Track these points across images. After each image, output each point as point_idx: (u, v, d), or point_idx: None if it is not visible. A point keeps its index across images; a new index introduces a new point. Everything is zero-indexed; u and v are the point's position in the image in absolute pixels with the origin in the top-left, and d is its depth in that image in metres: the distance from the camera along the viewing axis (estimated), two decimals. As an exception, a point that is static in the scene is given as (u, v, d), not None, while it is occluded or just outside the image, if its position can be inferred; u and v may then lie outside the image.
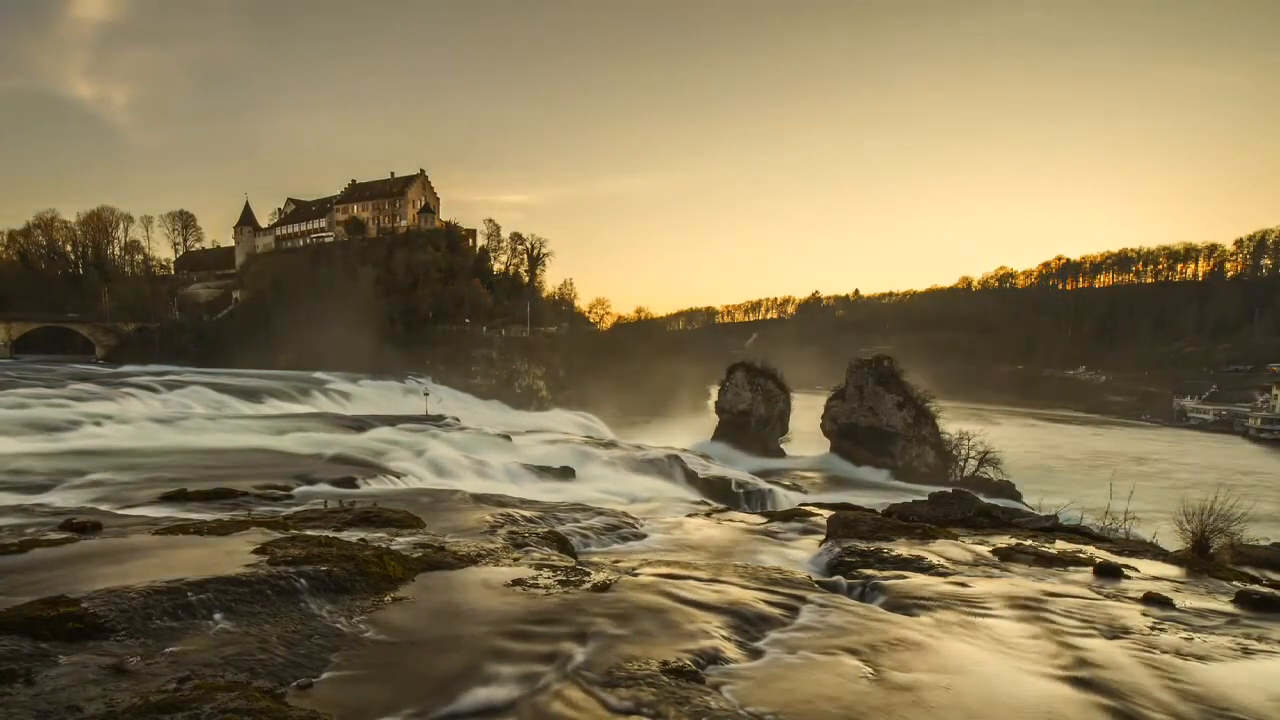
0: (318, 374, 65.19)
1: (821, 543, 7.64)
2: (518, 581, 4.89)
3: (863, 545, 6.91)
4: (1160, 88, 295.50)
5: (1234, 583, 6.03)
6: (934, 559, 6.40)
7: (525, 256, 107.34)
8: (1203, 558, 7.49)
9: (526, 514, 9.06)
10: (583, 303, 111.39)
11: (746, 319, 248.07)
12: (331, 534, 6.05)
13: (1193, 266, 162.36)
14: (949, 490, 12.46)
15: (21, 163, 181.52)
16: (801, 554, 7.40)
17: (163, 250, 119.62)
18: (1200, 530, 8.24)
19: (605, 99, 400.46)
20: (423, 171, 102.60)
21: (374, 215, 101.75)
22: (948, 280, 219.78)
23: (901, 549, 6.76)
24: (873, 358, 59.06)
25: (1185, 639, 4.39)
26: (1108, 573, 6.05)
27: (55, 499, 12.72)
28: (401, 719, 2.94)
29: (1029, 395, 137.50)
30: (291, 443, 25.63)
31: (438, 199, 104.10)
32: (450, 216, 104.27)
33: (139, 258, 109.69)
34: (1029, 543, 7.37)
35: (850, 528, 7.65)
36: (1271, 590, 5.63)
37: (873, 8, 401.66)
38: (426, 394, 57.84)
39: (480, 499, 10.97)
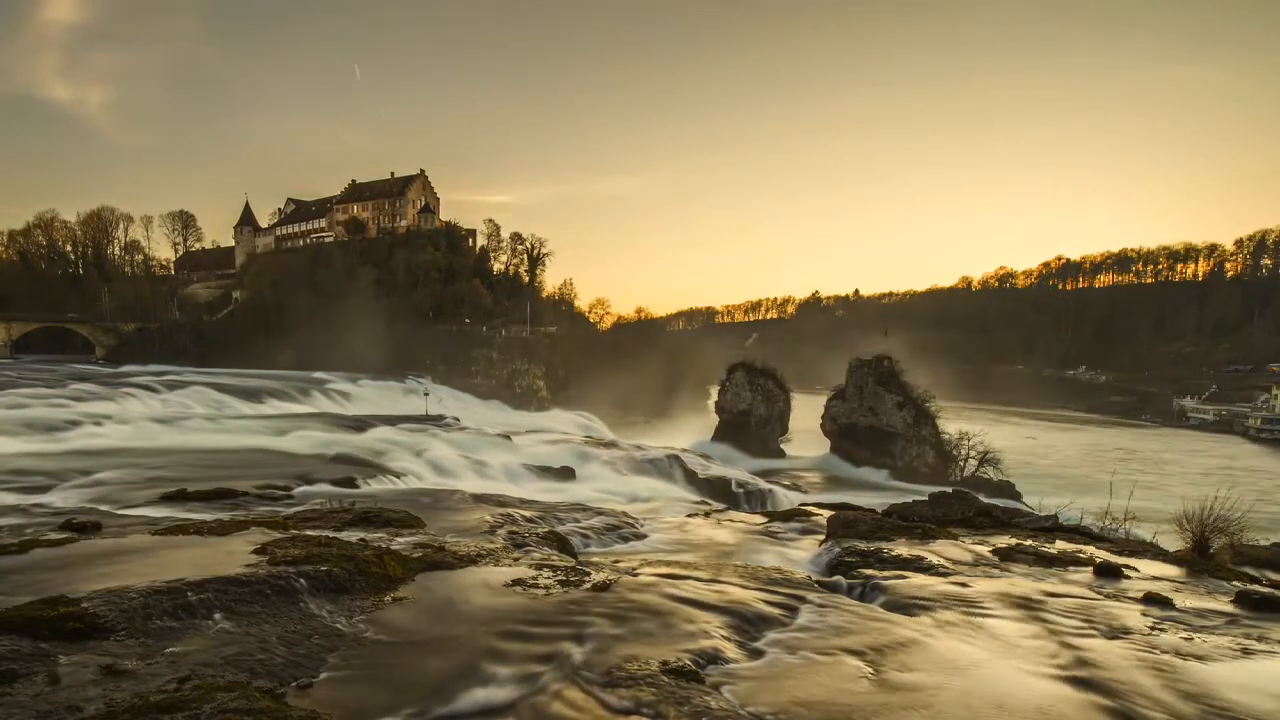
0: (318, 374, 65.23)
1: (821, 543, 7.64)
2: (518, 581, 4.88)
3: (863, 545, 6.91)
4: (1160, 88, 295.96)
5: (1234, 583, 6.02)
6: (934, 559, 6.40)
7: (525, 256, 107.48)
8: (1203, 558, 7.49)
9: (526, 514, 9.06)
10: (583, 303, 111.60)
11: (746, 319, 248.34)
12: (331, 534, 6.05)
13: (1193, 266, 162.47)
14: (949, 490, 12.44)
15: (10, 165, 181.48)
16: (801, 554, 7.40)
17: (163, 250, 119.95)
18: (1200, 530, 8.24)
19: (605, 99, 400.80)
20: (423, 171, 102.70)
21: (374, 215, 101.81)
22: (948, 280, 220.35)
23: (901, 549, 6.75)
24: (873, 358, 59.00)
25: (1185, 639, 4.39)
26: (1108, 573, 6.05)
27: (55, 499, 12.71)
28: (401, 719, 2.94)
29: (1029, 395, 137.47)
30: (291, 443, 25.64)
31: (438, 199, 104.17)
32: (450, 217, 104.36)
33: (139, 258, 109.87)
34: (1029, 543, 7.37)
35: (850, 528, 7.65)
36: (1271, 590, 5.62)
37: (873, 7, 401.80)
38: (426, 394, 57.87)
39: (480, 499, 10.96)
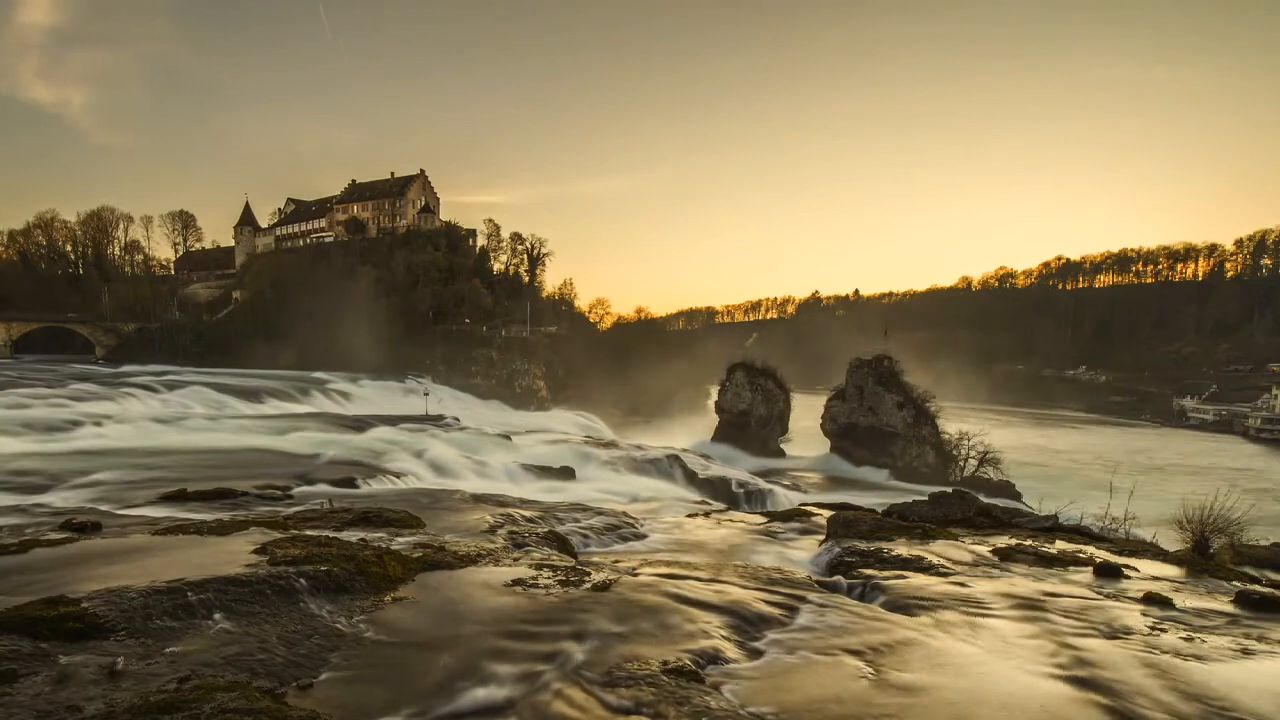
0: (318, 374, 65.21)
1: (821, 543, 7.64)
2: (518, 581, 4.88)
3: (863, 545, 6.91)
4: (1161, 88, 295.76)
5: (1234, 583, 6.02)
6: (934, 559, 6.40)
7: (525, 256, 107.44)
8: (1203, 558, 7.49)
9: (526, 514, 9.06)
10: (583, 303, 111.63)
11: (746, 319, 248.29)
12: (331, 534, 6.05)
13: (1193, 266, 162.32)
14: (949, 490, 12.43)
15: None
16: (801, 554, 7.40)
17: (163, 250, 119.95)
18: (1200, 530, 8.24)
19: (605, 99, 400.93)
20: (422, 171, 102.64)
21: (374, 215, 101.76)
22: (948, 280, 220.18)
23: (901, 549, 6.76)
24: (873, 358, 58.93)
25: (1185, 639, 4.39)
26: (1108, 573, 6.05)
27: (55, 499, 12.72)
28: (401, 719, 2.94)
29: (1029, 395, 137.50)
30: (291, 443, 25.63)
31: (438, 199, 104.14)
32: (450, 217, 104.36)
33: (139, 258, 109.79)
34: (1029, 543, 7.37)
35: (850, 528, 7.65)
36: (1271, 590, 5.63)
37: (873, 7, 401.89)
38: (426, 394, 57.85)
39: (480, 499, 10.97)
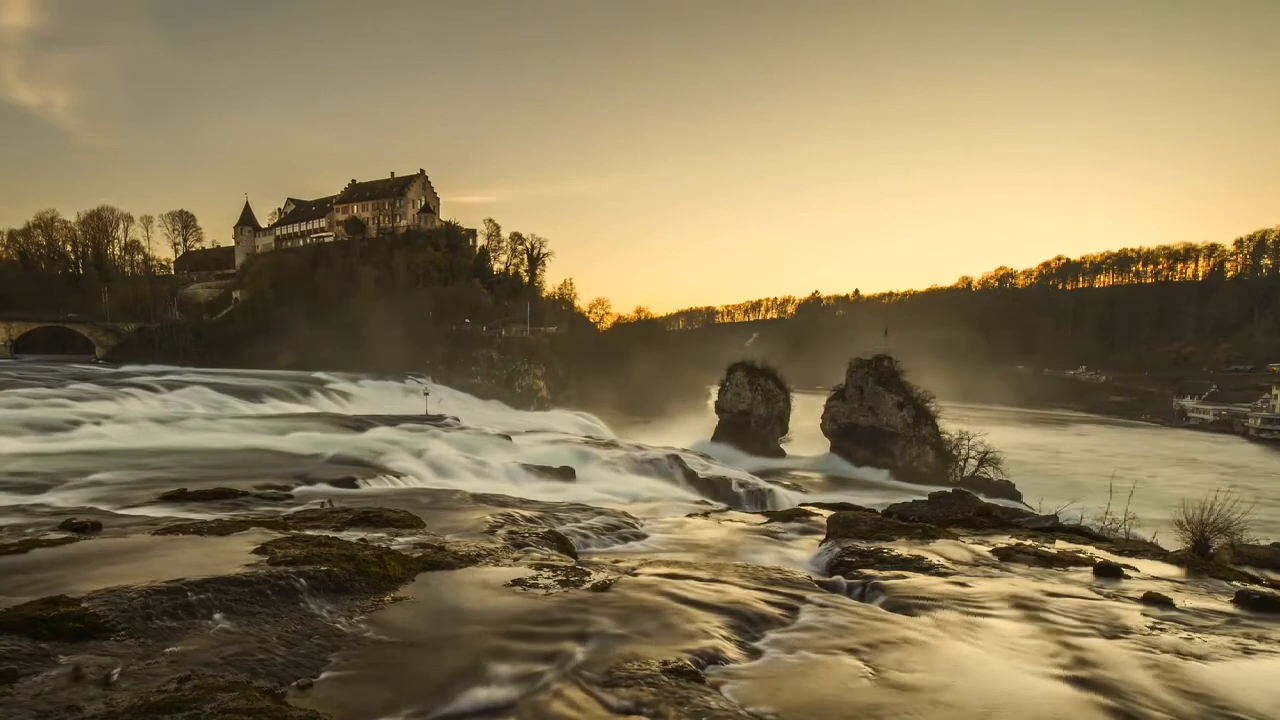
0: (318, 374, 65.23)
1: (821, 543, 7.64)
2: (518, 581, 4.88)
3: (863, 545, 6.91)
4: (1161, 88, 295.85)
5: (1234, 583, 6.02)
6: (934, 559, 6.40)
7: (525, 256, 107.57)
8: (1203, 558, 7.49)
9: (526, 514, 9.06)
10: (583, 303, 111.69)
11: (746, 319, 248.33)
12: (331, 534, 6.05)
13: (1193, 266, 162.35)
14: (949, 490, 12.43)
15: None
16: (801, 554, 7.40)
17: (163, 250, 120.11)
18: (1200, 530, 8.24)
19: (605, 98, 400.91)
20: (422, 171, 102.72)
21: (374, 215, 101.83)
22: (948, 280, 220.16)
23: (901, 549, 6.75)
24: (873, 358, 58.91)
25: (1185, 639, 4.39)
26: (1108, 573, 6.05)
27: (55, 499, 12.73)
28: (402, 719, 2.94)
29: (1029, 395, 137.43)
30: (292, 443, 25.64)
31: (438, 199, 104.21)
32: (449, 216, 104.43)
33: (139, 258, 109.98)
34: (1029, 543, 7.37)
35: (850, 528, 7.65)
36: (1271, 590, 5.62)
37: (873, 7, 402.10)
38: (426, 394, 57.85)
39: (480, 499, 10.97)
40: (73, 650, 3.21)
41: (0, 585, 4.04)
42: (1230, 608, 5.20)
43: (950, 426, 56.53)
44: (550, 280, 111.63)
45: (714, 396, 68.81)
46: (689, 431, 67.34)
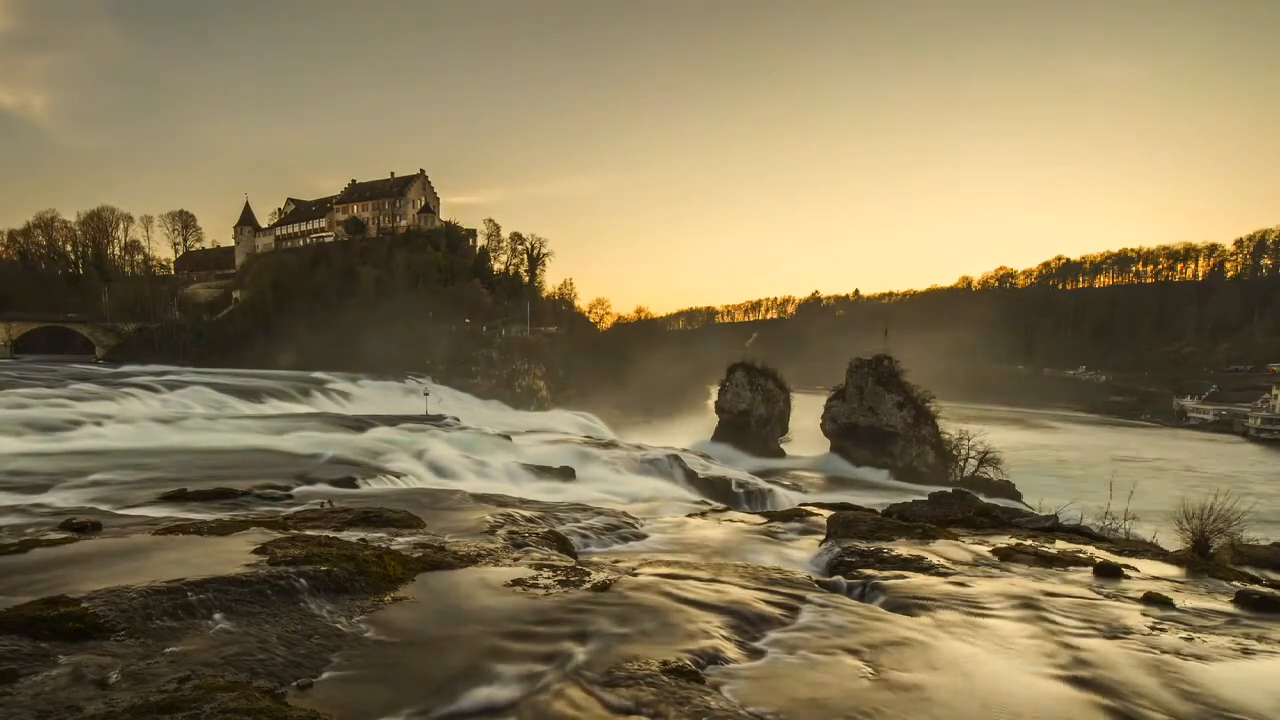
0: (318, 374, 65.21)
1: (821, 543, 7.64)
2: (518, 581, 4.88)
3: (863, 545, 6.91)
4: (1161, 88, 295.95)
5: (1234, 583, 6.03)
6: (934, 559, 6.40)
7: (525, 256, 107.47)
8: (1203, 557, 7.49)
9: (526, 514, 9.06)
10: (583, 303, 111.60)
11: (746, 319, 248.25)
12: (331, 534, 6.05)
13: (1193, 266, 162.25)
14: (949, 490, 12.44)
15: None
16: (801, 554, 7.40)
17: (163, 250, 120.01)
18: (1200, 530, 8.25)
19: (605, 98, 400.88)
20: (422, 171, 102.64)
21: (374, 215, 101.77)
22: (948, 280, 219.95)
23: (901, 549, 6.76)
24: (873, 358, 58.91)
25: (1185, 639, 4.39)
26: (1108, 573, 6.05)
27: (55, 499, 12.72)
28: (402, 719, 2.94)
29: (1029, 395, 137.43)
30: (291, 443, 25.64)
31: (438, 199, 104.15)
32: (449, 216, 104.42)
33: (139, 258, 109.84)
34: (1029, 543, 7.37)
35: (850, 528, 7.65)
36: (1271, 590, 5.63)
37: (873, 6, 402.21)
38: (426, 394, 57.83)
39: (480, 499, 10.96)
40: (73, 650, 3.21)
41: (0, 585, 4.04)
42: (1230, 608, 5.20)
43: (950, 426, 56.55)
44: (550, 280, 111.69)
45: (714, 396, 68.82)
46: (689, 431, 67.38)
